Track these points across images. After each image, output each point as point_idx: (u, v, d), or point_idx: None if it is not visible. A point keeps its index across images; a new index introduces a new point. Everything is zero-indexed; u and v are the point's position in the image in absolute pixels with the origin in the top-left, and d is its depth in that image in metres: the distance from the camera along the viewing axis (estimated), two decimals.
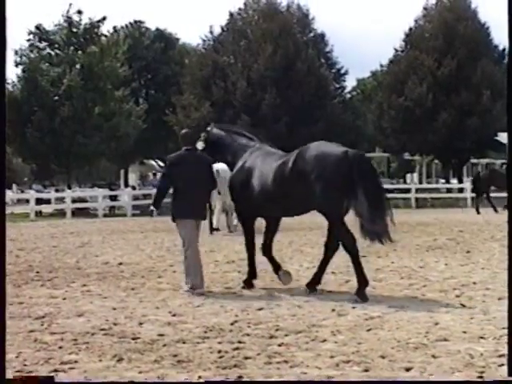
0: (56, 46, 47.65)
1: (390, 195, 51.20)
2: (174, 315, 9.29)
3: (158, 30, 65.00)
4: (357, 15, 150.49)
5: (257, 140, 12.05)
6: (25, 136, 44.26)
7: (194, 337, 8.01)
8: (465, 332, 8.04)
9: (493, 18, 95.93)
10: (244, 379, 6.43)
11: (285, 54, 48.25)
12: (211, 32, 52.98)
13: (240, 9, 52.25)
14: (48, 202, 44.81)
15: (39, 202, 41.50)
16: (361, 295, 10.20)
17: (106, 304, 10.23)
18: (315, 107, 48.24)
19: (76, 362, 7.04)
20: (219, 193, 19.21)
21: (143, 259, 15.80)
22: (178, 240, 12.11)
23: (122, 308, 9.87)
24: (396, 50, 52.82)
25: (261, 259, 11.71)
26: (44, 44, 47.97)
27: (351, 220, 10.32)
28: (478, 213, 31.52)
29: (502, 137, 45.63)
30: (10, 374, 5.87)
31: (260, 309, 9.65)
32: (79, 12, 47.49)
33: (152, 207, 11.67)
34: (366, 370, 6.61)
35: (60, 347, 7.64)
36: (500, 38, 52.44)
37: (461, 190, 46.60)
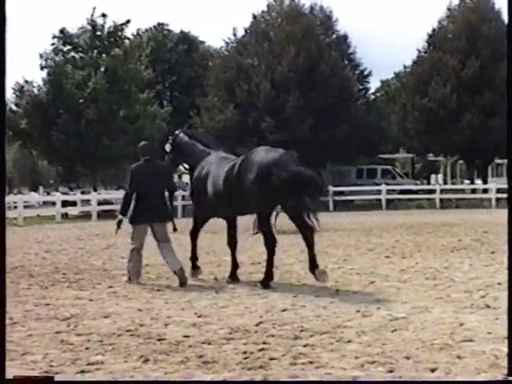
0: (80, 49, 47.83)
1: (414, 196, 51.03)
2: (199, 316, 9.30)
3: (181, 32, 65.29)
4: (380, 16, 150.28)
5: (214, 146, 13.26)
6: (50, 139, 44.43)
7: (219, 338, 8.03)
8: (490, 333, 8.01)
9: None
10: (269, 380, 6.45)
11: (308, 56, 48.14)
12: (234, 34, 53.27)
13: (263, 11, 52.29)
14: (74, 204, 45.15)
15: (65, 204, 41.81)
16: (263, 285, 11.49)
17: (131, 305, 10.26)
18: (339, 109, 48.05)
19: (102, 362, 7.06)
20: None
21: None
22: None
23: (147, 309, 9.90)
24: (419, 51, 52.62)
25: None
26: (68, 47, 48.15)
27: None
28: None
29: None
30: (9, 375, 5.80)
31: (284, 310, 9.65)
32: (103, 15, 47.76)
33: (120, 216, 12.63)
34: (391, 371, 6.60)
35: (86, 348, 7.66)
36: None
37: (485, 191, 46.43)
